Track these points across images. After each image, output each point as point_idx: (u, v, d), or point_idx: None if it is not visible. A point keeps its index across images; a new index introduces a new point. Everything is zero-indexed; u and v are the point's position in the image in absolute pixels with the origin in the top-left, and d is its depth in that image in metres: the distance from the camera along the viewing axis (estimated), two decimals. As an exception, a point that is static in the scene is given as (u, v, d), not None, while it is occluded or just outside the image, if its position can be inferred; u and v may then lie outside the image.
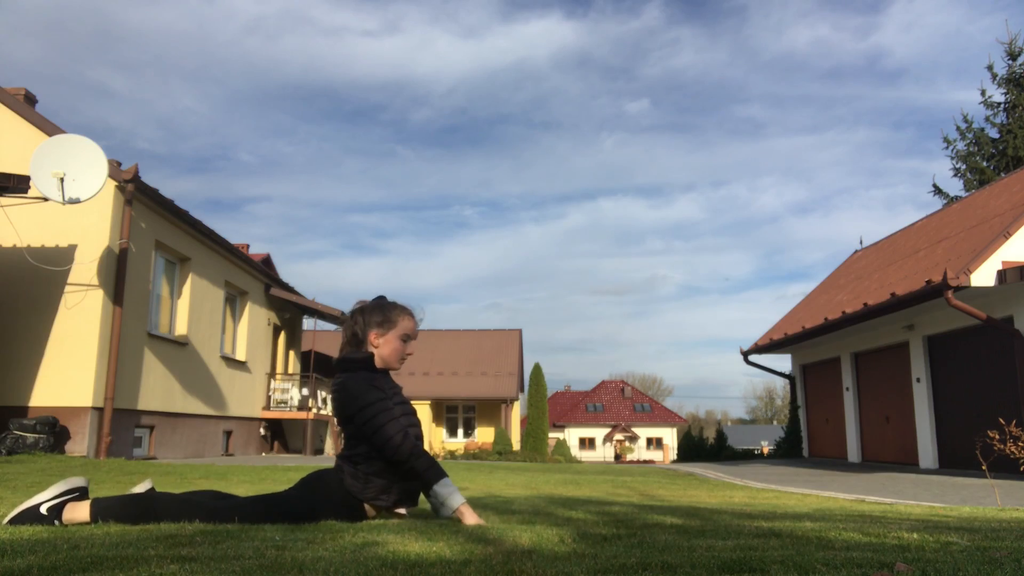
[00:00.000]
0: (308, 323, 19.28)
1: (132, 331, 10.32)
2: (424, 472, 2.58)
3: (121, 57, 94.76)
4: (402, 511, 2.67)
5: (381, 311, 2.80)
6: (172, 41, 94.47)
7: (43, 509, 2.48)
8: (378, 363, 2.76)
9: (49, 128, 10.02)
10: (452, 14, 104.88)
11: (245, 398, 14.84)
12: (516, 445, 27.86)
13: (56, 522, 2.47)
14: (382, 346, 2.76)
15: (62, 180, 8.43)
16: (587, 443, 51.81)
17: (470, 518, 2.54)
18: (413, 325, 2.83)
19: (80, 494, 2.57)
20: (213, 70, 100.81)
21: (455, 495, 2.58)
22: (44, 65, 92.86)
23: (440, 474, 2.59)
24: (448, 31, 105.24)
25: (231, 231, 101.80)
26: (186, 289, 12.35)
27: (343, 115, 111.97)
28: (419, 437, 2.69)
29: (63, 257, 9.66)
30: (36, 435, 8.79)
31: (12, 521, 2.47)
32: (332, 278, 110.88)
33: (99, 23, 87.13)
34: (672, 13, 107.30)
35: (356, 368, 2.70)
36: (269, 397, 16.20)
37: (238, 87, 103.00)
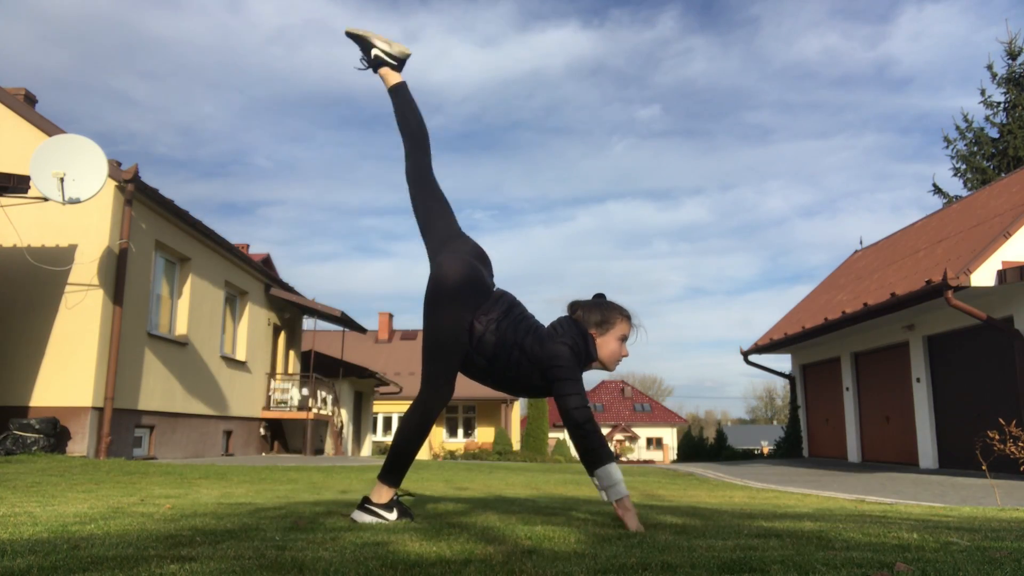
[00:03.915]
0: (308, 323, 19.28)
1: (132, 331, 10.32)
2: (598, 447, 2.53)
3: (145, 66, 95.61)
4: None
5: (600, 310, 2.74)
6: (195, 51, 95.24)
7: (376, 52, 2.93)
8: (594, 364, 2.75)
9: (49, 128, 10.02)
10: (470, 25, 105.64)
11: (245, 398, 14.84)
12: (516, 445, 27.87)
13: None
14: (601, 347, 2.71)
15: (62, 180, 8.43)
16: (587, 443, 51.81)
17: (630, 518, 2.49)
18: (629, 327, 2.77)
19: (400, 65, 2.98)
20: (234, 78, 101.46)
21: (621, 485, 2.52)
22: (70, 73, 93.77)
23: (609, 456, 2.54)
24: (466, 40, 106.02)
25: (244, 234, 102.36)
26: (186, 289, 12.35)
27: (360, 121, 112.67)
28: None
29: (63, 257, 9.66)
30: (36, 435, 8.78)
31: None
32: (340, 280, 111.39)
33: (124, 34, 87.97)
34: (687, 23, 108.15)
35: (582, 339, 2.66)
36: (269, 397, 16.20)
37: (258, 94, 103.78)
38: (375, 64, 2.94)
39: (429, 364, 2.64)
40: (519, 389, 2.71)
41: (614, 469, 2.53)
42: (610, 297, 2.84)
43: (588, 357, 2.70)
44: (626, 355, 2.78)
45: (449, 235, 2.81)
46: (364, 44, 2.95)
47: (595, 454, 2.54)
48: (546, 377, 2.59)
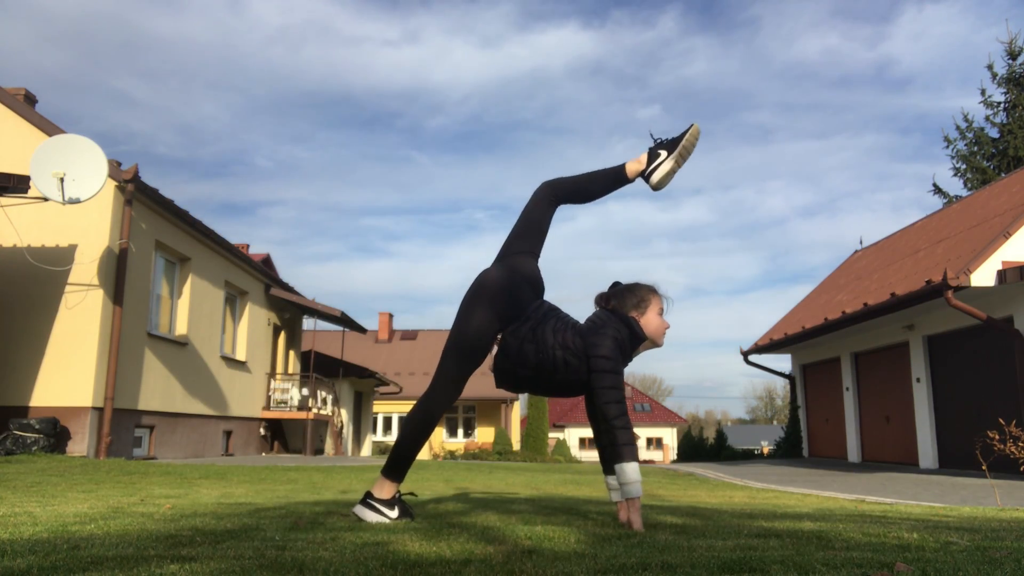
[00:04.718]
0: (308, 323, 19.29)
1: (132, 331, 10.32)
2: (624, 444, 2.53)
3: (145, 66, 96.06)
4: None
5: (632, 293, 2.79)
6: (196, 51, 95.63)
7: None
8: (644, 345, 2.77)
9: (49, 128, 10.02)
10: (470, 25, 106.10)
11: (245, 398, 14.84)
12: (516, 445, 27.85)
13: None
14: (645, 325, 2.74)
15: (62, 180, 8.43)
16: (587, 443, 51.77)
17: (636, 518, 2.50)
18: (661, 299, 2.82)
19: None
20: (235, 78, 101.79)
21: (637, 485, 2.52)
22: (70, 73, 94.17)
23: (633, 455, 2.55)
24: (466, 41, 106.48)
25: (244, 234, 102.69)
26: (186, 289, 12.35)
27: (360, 122, 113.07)
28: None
29: (63, 257, 9.67)
30: (36, 435, 8.78)
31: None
32: (340, 280, 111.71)
33: (125, 33, 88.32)
34: (688, 24, 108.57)
35: (625, 325, 2.68)
36: (269, 397, 16.20)
37: (259, 94, 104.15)
38: (652, 155, 3.09)
39: (446, 361, 2.67)
40: (571, 390, 2.70)
41: (634, 468, 2.52)
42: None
43: (636, 340, 2.71)
44: (668, 326, 2.81)
45: (521, 252, 2.85)
46: (674, 143, 3.10)
47: (618, 450, 2.54)
48: (589, 367, 2.59)
